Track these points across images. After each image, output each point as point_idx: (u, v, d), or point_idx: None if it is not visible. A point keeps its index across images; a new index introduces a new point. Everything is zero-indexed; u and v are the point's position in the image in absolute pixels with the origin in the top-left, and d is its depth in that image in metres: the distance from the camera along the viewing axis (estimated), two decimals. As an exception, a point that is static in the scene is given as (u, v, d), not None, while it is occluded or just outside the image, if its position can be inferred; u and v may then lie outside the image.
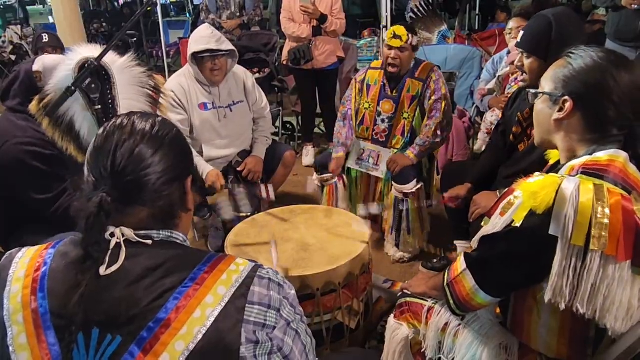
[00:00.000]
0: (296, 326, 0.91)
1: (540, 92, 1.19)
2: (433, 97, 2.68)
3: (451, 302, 1.20)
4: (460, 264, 1.19)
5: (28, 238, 1.64)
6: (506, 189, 1.12)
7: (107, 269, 0.83)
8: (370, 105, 2.80)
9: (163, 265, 0.84)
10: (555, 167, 1.22)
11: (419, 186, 2.67)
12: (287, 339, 0.88)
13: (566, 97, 1.12)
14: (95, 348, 0.80)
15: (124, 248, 0.85)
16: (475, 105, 3.84)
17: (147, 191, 0.87)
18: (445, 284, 1.22)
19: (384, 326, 1.66)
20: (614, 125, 1.09)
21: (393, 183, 2.70)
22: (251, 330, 0.83)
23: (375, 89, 2.80)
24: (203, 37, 2.64)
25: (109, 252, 0.84)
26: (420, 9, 5.06)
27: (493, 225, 1.10)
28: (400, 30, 2.63)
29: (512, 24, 3.25)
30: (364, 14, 8.71)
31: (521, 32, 1.96)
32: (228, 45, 2.69)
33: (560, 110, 1.14)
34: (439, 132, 2.67)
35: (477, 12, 7.87)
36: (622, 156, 1.08)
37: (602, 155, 1.08)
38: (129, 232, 0.86)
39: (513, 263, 1.09)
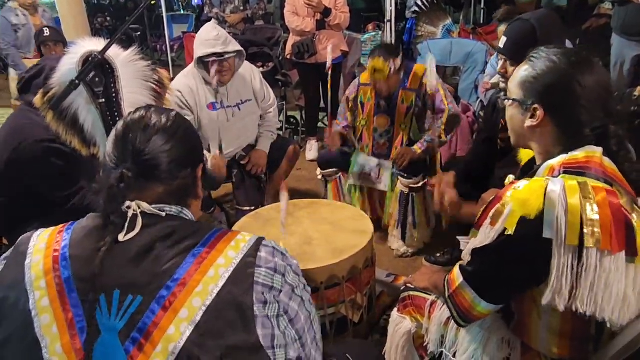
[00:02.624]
0: (300, 293, 0.96)
1: (511, 99, 1.20)
2: (435, 98, 2.65)
3: (455, 314, 1.20)
4: (456, 277, 1.19)
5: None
6: (493, 197, 1.12)
7: (125, 235, 0.90)
8: (366, 122, 2.80)
9: (176, 232, 0.92)
10: (531, 167, 1.22)
11: (425, 181, 2.67)
12: (292, 304, 0.93)
13: (536, 106, 1.13)
14: (117, 307, 0.85)
15: (140, 217, 0.92)
16: (479, 100, 3.83)
17: (162, 170, 0.96)
18: (446, 296, 1.22)
19: (387, 320, 1.66)
20: (587, 127, 1.10)
21: (399, 177, 2.70)
22: (260, 291, 0.88)
23: (369, 105, 2.79)
24: (208, 41, 2.57)
25: (127, 221, 0.91)
26: (425, 2, 5.03)
27: (485, 235, 1.09)
28: (379, 64, 2.56)
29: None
30: (368, 8, 8.66)
31: (503, 38, 1.91)
32: (235, 46, 2.64)
33: (532, 117, 1.15)
34: (446, 131, 2.66)
35: (482, 6, 7.82)
36: (597, 151, 1.09)
37: (579, 153, 1.10)
38: (145, 205, 0.94)
39: (511, 271, 1.09)
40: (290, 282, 0.94)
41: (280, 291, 0.91)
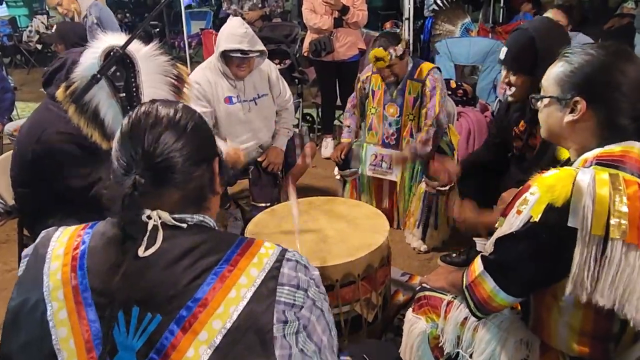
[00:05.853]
0: (320, 305, 0.93)
1: (548, 97, 1.17)
2: (428, 105, 2.68)
3: (471, 305, 1.19)
4: (477, 266, 1.17)
5: (55, 224, 1.67)
6: (521, 187, 1.10)
7: (145, 250, 0.85)
8: (376, 110, 2.84)
9: (199, 247, 0.87)
10: (567, 163, 1.21)
11: (452, 184, 2.67)
12: (312, 317, 0.90)
13: (577, 98, 1.11)
14: (136, 326, 0.82)
15: (161, 230, 0.87)
16: (497, 99, 3.79)
17: (177, 172, 0.89)
18: (464, 286, 1.21)
19: (401, 319, 1.65)
20: (626, 117, 1.09)
21: (425, 178, 2.71)
22: (281, 310, 0.85)
23: (379, 93, 2.83)
24: (236, 36, 2.55)
25: (147, 234, 0.86)
26: (444, 0, 4.99)
27: (510, 224, 1.08)
28: (379, 52, 2.61)
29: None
30: (386, 6, 8.64)
31: (504, 49, 1.92)
32: (260, 46, 2.64)
33: (572, 111, 1.13)
34: (430, 145, 2.67)
35: (502, 4, 7.73)
36: (636, 146, 1.08)
37: (615, 147, 1.08)
38: (165, 215, 0.88)
39: (534, 261, 1.08)
40: (311, 297, 0.90)
41: (302, 307, 0.88)
